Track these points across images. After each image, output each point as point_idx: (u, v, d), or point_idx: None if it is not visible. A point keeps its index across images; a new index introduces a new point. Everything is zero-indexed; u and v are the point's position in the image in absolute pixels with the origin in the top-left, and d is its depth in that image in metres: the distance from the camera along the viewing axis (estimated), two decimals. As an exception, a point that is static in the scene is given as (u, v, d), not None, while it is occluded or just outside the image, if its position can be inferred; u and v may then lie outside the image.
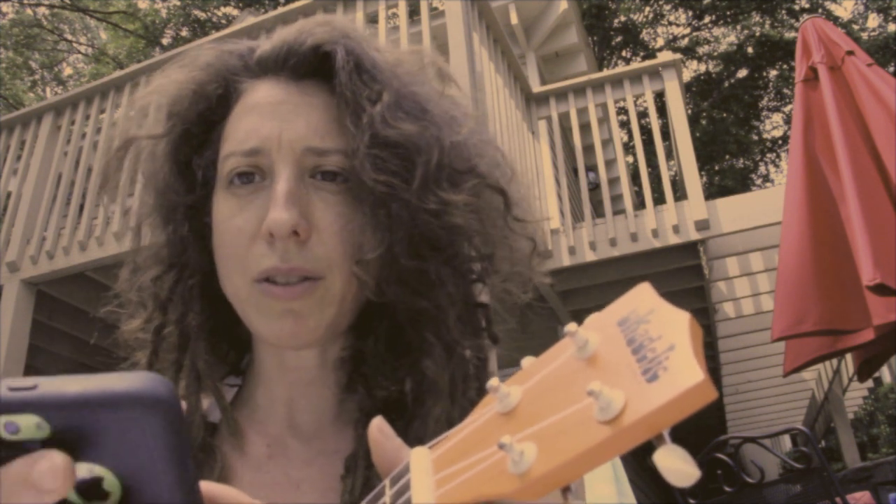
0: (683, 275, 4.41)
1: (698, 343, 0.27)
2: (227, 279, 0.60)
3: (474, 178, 0.62)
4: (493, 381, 0.32)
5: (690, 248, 4.08)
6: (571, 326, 0.30)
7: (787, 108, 16.23)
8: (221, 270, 0.61)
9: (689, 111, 14.72)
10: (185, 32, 16.01)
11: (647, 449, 0.28)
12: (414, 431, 0.58)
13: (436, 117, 0.61)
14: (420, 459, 0.33)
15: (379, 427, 0.38)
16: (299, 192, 0.58)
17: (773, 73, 15.97)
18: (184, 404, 0.61)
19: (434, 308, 0.59)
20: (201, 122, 0.63)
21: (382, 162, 0.57)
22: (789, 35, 14.37)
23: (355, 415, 0.62)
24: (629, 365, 0.28)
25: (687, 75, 15.91)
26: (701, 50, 16.24)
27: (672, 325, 0.28)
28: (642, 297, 0.31)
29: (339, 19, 0.65)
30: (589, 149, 5.52)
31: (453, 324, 0.59)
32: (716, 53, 16.25)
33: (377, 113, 0.58)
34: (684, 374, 0.25)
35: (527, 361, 0.33)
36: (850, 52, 2.53)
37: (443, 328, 0.59)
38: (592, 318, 0.32)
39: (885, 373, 9.15)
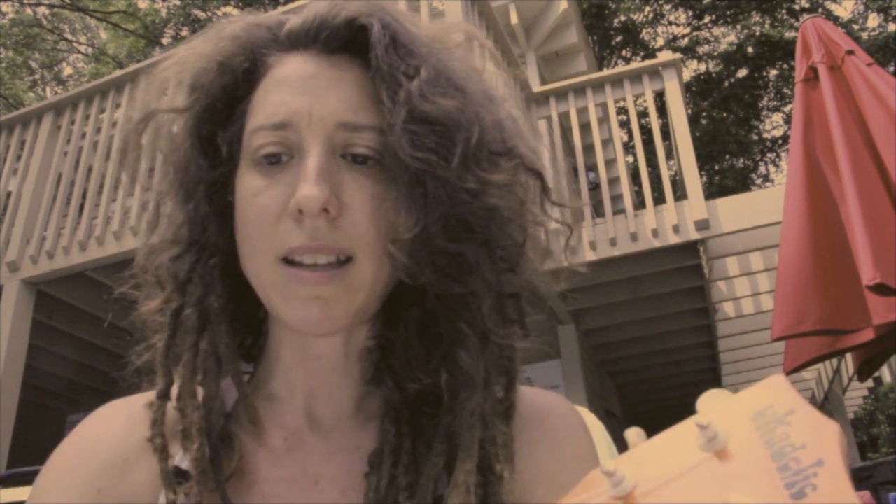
0: (683, 275, 4.41)
1: (846, 459, 0.25)
2: (249, 259, 0.57)
3: (513, 158, 0.59)
4: (610, 464, 0.29)
5: (690, 248, 4.08)
6: (703, 419, 0.28)
7: (787, 108, 16.22)
8: (244, 250, 0.57)
9: (689, 111, 14.72)
10: (185, 32, 16.00)
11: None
12: (447, 427, 0.56)
13: (474, 95, 0.59)
14: None
15: None
16: (331, 168, 0.55)
17: (773, 72, 15.95)
18: (201, 390, 0.59)
19: (469, 294, 0.56)
20: (226, 97, 0.60)
21: (420, 138, 0.54)
22: (789, 35, 14.35)
23: (380, 409, 0.60)
24: (769, 473, 0.25)
25: (687, 75, 15.90)
26: (701, 50, 16.23)
27: (819, 436, 0.26)
28: (779, 393, 0.28)
29: None
30: (589, 148, 5.52)
31: (488, 312, 0.56)
32: (716, 53, 16.24)
33: (415, 88, 0.55)
34: (836, 498, 0.23)
35: (634, 436, 0.30)
36: (850, 52, 2.53)
37: (477, 316, 0.57)
38: (721, 409, 0.29)
39: (885, 373, 9.14)
